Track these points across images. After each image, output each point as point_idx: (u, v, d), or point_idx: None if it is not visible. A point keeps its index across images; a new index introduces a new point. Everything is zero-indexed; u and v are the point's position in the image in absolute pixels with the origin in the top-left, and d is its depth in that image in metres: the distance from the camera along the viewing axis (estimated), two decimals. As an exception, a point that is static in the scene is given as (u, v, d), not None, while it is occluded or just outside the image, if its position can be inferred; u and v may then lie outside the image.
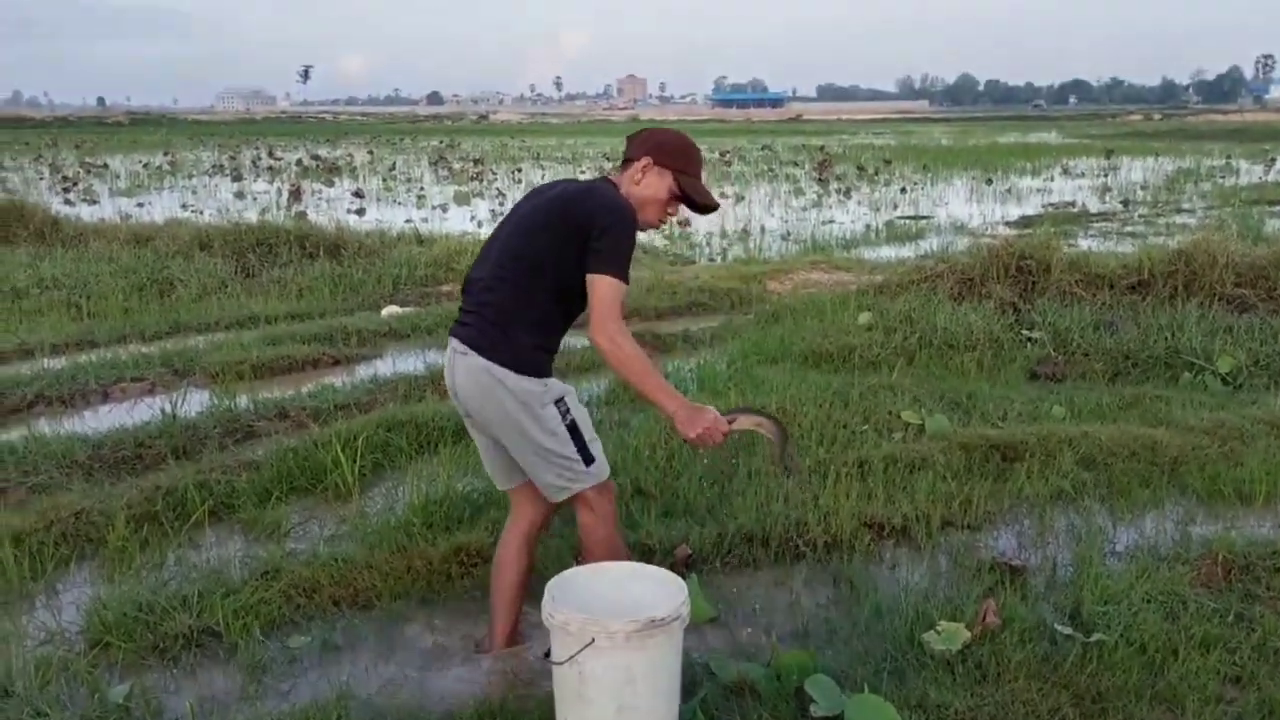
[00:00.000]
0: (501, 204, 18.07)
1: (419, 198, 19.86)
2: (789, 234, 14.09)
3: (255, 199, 19.39)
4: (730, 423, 2.71)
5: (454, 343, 2.79)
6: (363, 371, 6.52)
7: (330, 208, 17.52)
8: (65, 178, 23.87)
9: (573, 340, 4.01)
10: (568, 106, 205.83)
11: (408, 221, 14.66)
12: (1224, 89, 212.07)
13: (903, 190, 20.40)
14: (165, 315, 8.09)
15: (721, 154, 31.56)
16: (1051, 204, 18.14)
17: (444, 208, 18.11)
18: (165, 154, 34.21)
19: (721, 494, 4.22)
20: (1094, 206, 17.73)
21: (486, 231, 13.73)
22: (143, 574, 3.66)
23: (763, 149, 37.02)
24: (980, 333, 6.63)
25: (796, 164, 28.44)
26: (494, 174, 25.25)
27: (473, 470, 4.55)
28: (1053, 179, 23.85)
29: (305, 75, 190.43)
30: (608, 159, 29.20)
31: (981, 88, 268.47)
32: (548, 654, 2.47)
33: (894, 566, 3.73)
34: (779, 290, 9.08)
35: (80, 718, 2.78)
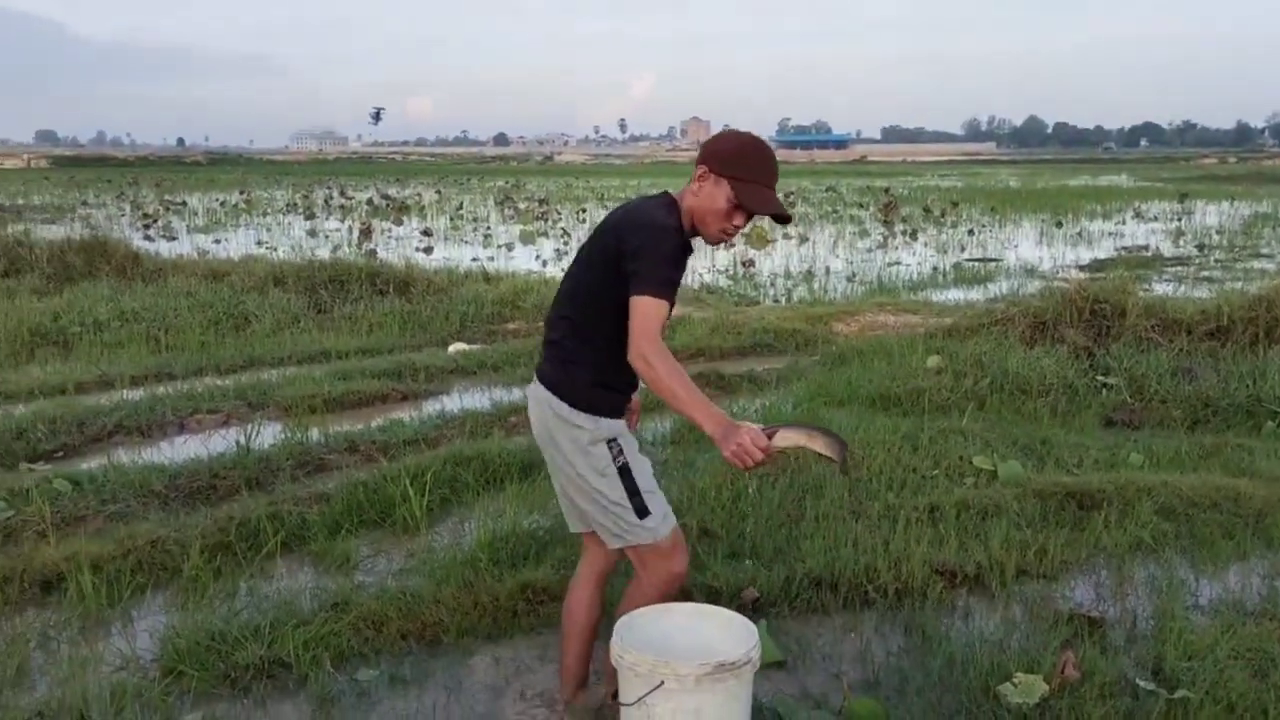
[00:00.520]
0: (566, 243, 18.25)
1: (485, 237, 20.13)
2: (854, 275, 14.00)
3: (327, 237, 19.83)
4: (770, 437, 2.42)
5: (534, 378, 2.81)
6: (430, 407, 6.59)
7: (399, 246, 17.84)
8: (145, 215, 24.63)
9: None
10: (631, 148, 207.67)
11: (474, 260, 14.86)
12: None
13: (970, 232, 20.20)
14: (240, 349, 8.27)
15: (785, 195, 31.56)
16: (1124, 248, 17.83)
17: (510, 246, 18.34)
18: (241, 192, 35.17)
19: (789, 537, 4.17)
20: (1168, 251, 17.38)
21: (551, 270, 13.90)
22: (215, 603, 3.71)
23: (827, 190, 36.98)
24: (1053, 377, 6.50)
25: (861, 205, 28.34)
26: (559, 214, 25.52)
27: (538, 508, 4.57)
28: (1124, 222, 23.45)
29: (376, 117, 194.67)
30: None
31: (1050, 130, 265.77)
32: (615, 695, 2.45)
33: (967, 615, 3.64)
34: (845, 332, 9.01)
35: (153, 745, 2.81)
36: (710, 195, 2.65)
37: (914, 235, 19.73)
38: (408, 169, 71.26)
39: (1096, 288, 7.53)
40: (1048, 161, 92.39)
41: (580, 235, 18.33)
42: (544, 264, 15.12)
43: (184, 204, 29.30)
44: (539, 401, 2.74)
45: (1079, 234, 20.32)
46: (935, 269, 14.56)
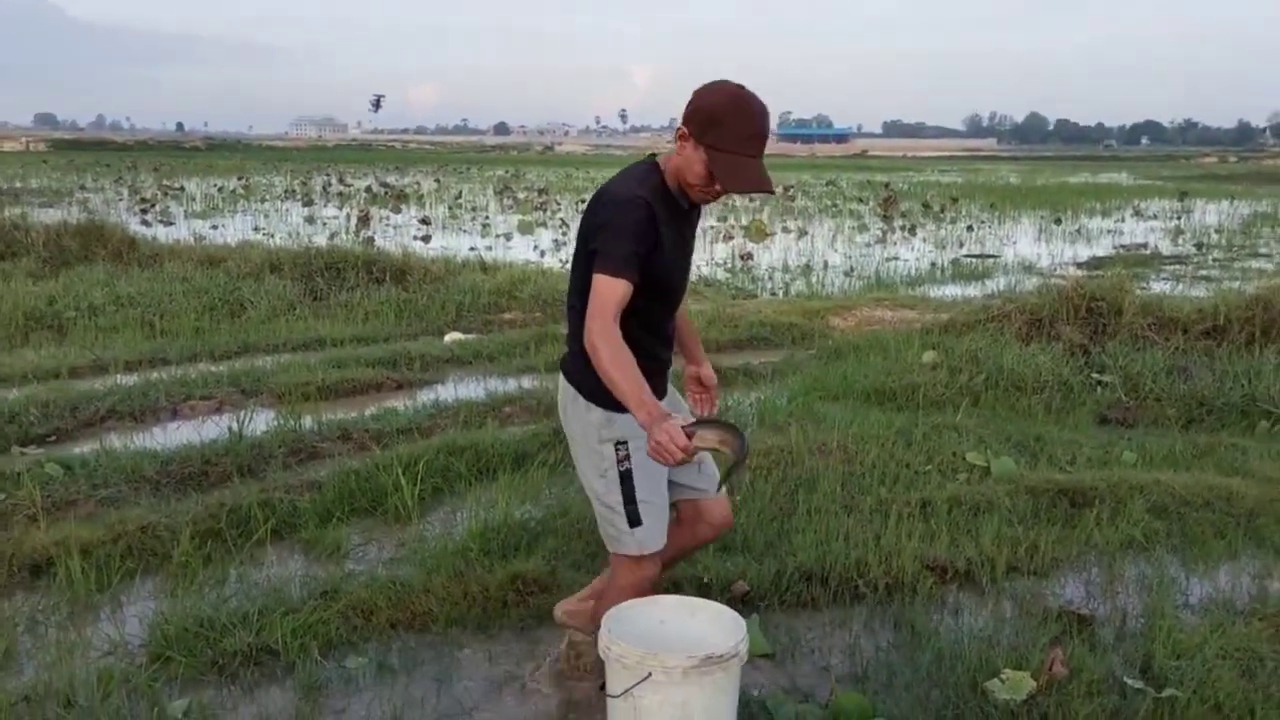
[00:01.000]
0: (565, 234, 18.22)
1: (484, 226, 20.10)
2: (852, 270, 13.99)
3: (325, 224, 19.78)
4: (690, 437, 2.29)
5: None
6: (424, 396, 6.58)
7: (397, 234, 17.80)
8: (143, 199, 24.56)
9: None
10: (632, 139, 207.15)
11: (472, 249, 14.84)
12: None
13: (969, 229, 20.19)
14: (235, 335, 8.25)
15: (785, 189, 31.52)
16: (1123, 245, 17.81)
17: (508, 236, 18.30)
18: (239, 178, 35.07)
19: (781, 530, 4.17)
20: (1166, 249, 17.37)
21: (549, 261, 13.87)
22: (205, 590, 3.70)
23: (827, 184, 36.93)
24: (1049, 374, 6.50)
25: (861, 200, 28.29)
26: (558, 204, 25.47)
27: (531, 498, 4.57)
28: (1124, 220, 23.43)
29: (376, 105, 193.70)
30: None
31: (1051, 127, 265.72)
32: (603, 686, 2.45)
33: (957, 611, 3.64)
34: (842, 326, 9.01)
35: (140, 731, 2.80)
36: (687, 159, 2.50)
37: (913, 231, 19.71)
38: (407, 157, 71.11)
39: (1093, 285, 7.53)
40: (1048, 158, 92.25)
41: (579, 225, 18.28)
42: (542, 254, 15.09)
43: (182, 189, 29.21)
44: (562, 390, 2.76)
45: (1078, 231, 20.30)
46: (933, 265, 14.54)
